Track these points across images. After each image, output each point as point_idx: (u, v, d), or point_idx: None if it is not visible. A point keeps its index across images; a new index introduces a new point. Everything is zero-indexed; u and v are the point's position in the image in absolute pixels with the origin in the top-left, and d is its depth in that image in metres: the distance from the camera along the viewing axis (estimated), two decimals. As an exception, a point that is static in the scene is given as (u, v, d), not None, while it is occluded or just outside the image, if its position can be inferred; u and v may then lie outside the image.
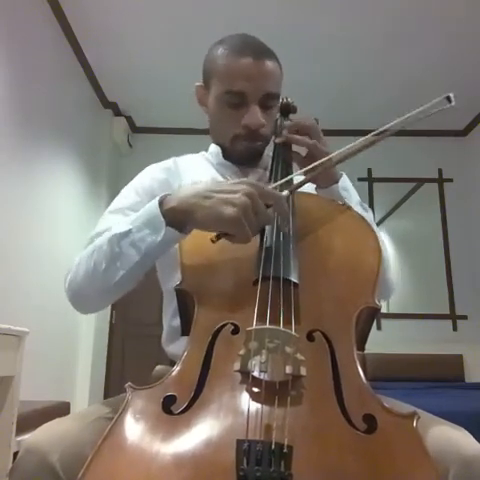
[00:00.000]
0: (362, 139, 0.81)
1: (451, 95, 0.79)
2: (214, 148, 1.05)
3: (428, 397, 2.92)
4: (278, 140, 0.97)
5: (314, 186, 0.95)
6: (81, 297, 0.83)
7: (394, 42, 3.34)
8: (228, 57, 0.92)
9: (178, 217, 0.71)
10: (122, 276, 0.76)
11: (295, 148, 0.97)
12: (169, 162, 1.05)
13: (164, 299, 0.99)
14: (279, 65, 0.97)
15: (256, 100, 0.92)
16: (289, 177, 0.83)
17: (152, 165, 1.05)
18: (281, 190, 0.77)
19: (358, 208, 0.91)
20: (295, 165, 0.95)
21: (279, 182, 0.80)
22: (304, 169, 0.86)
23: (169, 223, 0.71)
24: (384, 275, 0.90)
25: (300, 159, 0.94)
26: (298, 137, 0.93)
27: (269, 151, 1.01)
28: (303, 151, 0.93)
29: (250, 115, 0.92)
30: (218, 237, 0.68)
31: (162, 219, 0.71)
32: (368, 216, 0.92)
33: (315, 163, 0.85)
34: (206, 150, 1.09)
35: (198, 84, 1.02)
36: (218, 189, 0.69)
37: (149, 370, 0.95)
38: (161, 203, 0.72)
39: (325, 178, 0.92)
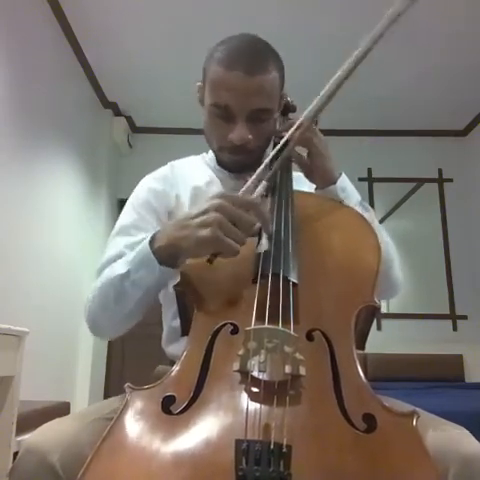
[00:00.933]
0: (339, 71, 0.80)
1: None
2: (212, 152, 1.06)
3: (428, 397, 2.92)
4: (276, 139, 0.97)
5: (313, 186, 0.95)
6: (100, 328, 0.89)
7: (394, 42, 3.34)
8: (219, 67, 0.88)
9: (168, 253, 0.75)
10: (131, 309, 0.81)
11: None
12: (165, 169, 1.06)
13: (164, 299, 1.00)
14: (278, 71, 0.92)
15: (243, 116, 0.88)
16: (263, 165, 0.81)
17: (147, 176, 1.05)
18: (258, 183, 0.77)
19: (358, 208, 0.90)
20: (294, 165, 0.95)
21: (249, 181, 0.78)
22: (288, 132, 0.85)
23: (162, 260, 0.75)
24: (388, 272, 0.90)
25: (300, 158, 0.94)
26: (290, 132, 0.92)
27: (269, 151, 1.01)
28: (303, 152, 0.94)
29: (235, 132, 0.89)
30: (210, 260, 0.70)
31: (154, 259, 0.75)
32: (369, 216, 0.91)
33: (293, 126, 0.85)
34: (207, 151, 1.09)
35: (199, 84, 1.01)
36: (192, 215, 0.71)
37: (149, 370, 0.95)
38: (151, 243, 0.76)
39: (322, 179, 0.92)
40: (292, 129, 0.87)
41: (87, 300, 0.87)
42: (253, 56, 0.88)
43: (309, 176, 0.94)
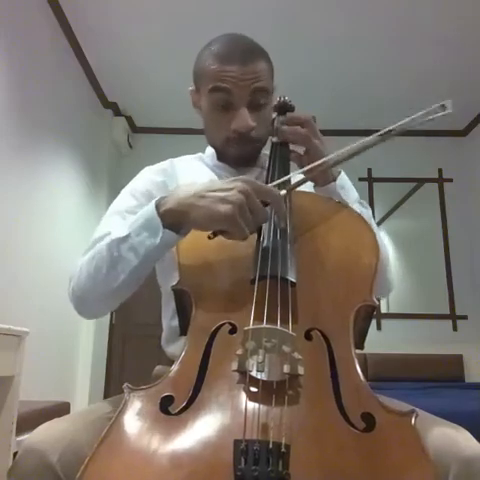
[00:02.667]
0: (360, 142, 0.82)
1: (446, 103, 0.79)
2: (210, 150, 1.06)
3: (428, 397, 2.92)
4: (275, 139, 0.97)
5: (312, 184, 0.95)
6: (85, 302, 0.84)
7: (395, 43, 3.34)
8: (215, 63, 0.91)
9: (175, 218, 0.72)
10: (123, 280, 0.77)
11: (293, 147, 0.97)
12: (166, 163, 1.06)
13: (163, 300, 0.99)
14: (269, 63, 0.96)
15: (244, 102, 0.91)
16: (287, 177, 0.83)
17: (148, 167, 1.05)
18: (278, 189, 0.77)
19: (356, 206, 0.91)
20: (293, 164, 0.95)
21: (277, 182, 0.80)
22: (303, 169, 0.86)
23: (166, 225, 0.72)
24: (383, 274, 0.90)
25: (298, 157, 0.94)
26: (292, 129, 0.92)
27: (266, 150, 1.01)
28: (301, 150, 0.94)
29: (238, 119, 0.91)
30: (215, 234, 0.69)
31: (159, 221, 0.72)
32: (367, 213, 0.92)
33: (314, 164, 0.85)
34: (203, 151, 1.10)
35: (191, 88, 1.02)
36: (213, 188, 0.70)
37: (149, 370, 0.95)
38: (158, 205, 0.73)
39: (322, 176, 0.92)
40: (310, 166, 0.86)
41: (72, 275, 0.83)
42: (244, 46, 0.93)
43: (309, 174, 0.94)
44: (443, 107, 0.79)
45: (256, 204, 0.68)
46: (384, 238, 0.97)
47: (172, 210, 0.72)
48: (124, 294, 0.82)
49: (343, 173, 0.95)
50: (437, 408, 0.88)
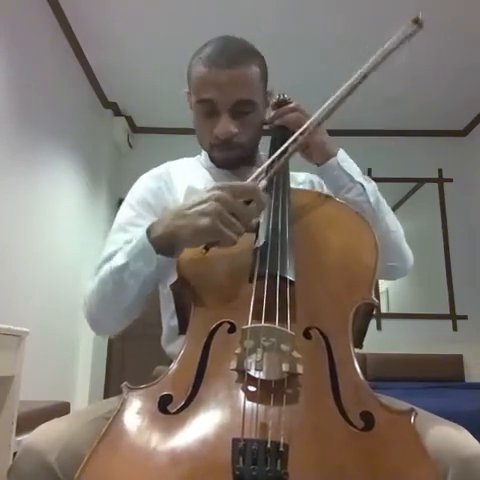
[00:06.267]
0: (340, 90, 0.82)
1: (419, 16, 0.76)
2: (205, 152, 1.07)
3: (428, 397, 2.91)
4: (266, 127, 0.99)
5: (310, 182, 0.96)
6: (99, 325, 0.89)
7: (394, 42, 3.34)
8: (200, 67, 0.91)
9: (165, 243, 0.75)
10: (129, 304, 0.82)
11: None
12: (161, 169, 1.07)
13: (162, 299, 1.00)
14: (261, 67, 0.95)
15: (226, 109, 0.91)
16: (269, 160, 0.83)
17: (143, 175, 1.07)
18: (264, 179, 0.78)
19: (360, 179, 0.94)
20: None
21: (253, 175, 0.79)
22: (293, 137, 0.87)
23: (159, 250, 0.75)
24: (400, 244, 0.95)
25: (294, 140, 0.95)
26: (280, 112, 0.96)
27: (265, 151, 1.01)
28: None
29: (219, 126, 0.92)
30: (206, 248, 0.70)
31: (152, 249, 0.75)
32: (373, 187, 0.95)
33: (302, 128, 0.87)
34: (201, 153, 1.10)
35: (185, 90, 1.03)
36: (190, 205, 0.71)
37: (149, 370, 0.95)
38: (148, 232, 0.76)
39: (322, 152, 0.93)
40: (297, 133, 0.88)
41: (85, 296, 0.87)
42: (232, 52, 0.91)
43: (307, 154, 0.96)
44: (416, 22, 0.77)
45: (236, 207, 0.69)
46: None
47: (160, 236, 0.75)
48: (135, 313, 0.87)
49: (342, 150, 0.96)
50: (437, 408, 0.88)
